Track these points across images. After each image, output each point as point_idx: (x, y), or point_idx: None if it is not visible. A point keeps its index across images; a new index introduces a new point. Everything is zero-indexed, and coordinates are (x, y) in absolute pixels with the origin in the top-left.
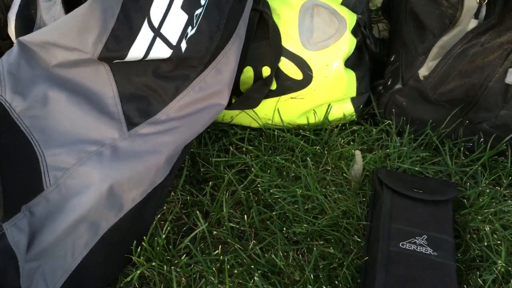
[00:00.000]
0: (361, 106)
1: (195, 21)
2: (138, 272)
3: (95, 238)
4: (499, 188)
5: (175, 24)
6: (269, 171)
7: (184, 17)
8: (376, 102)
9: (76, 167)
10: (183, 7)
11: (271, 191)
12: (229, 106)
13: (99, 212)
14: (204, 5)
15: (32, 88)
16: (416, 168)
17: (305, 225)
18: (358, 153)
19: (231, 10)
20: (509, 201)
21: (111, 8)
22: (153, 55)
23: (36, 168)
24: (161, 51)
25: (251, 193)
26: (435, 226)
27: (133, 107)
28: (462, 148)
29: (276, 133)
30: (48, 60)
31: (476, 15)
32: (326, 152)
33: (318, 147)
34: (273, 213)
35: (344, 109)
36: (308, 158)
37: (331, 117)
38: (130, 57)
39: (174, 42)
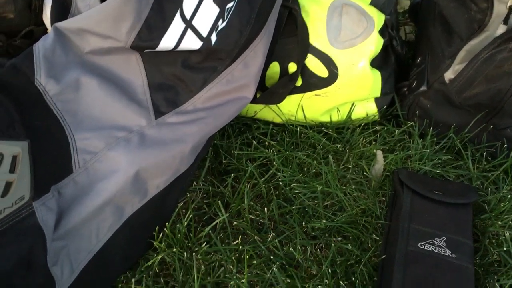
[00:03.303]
0: (385, 107)
1: (226, 14)
2: (159, 257)
3: (119, 221)
4: None
5: (207, 16)
6: (290, 166)
7: (216, 10)
8: (399, 104)
9: (104, 151)
10: (215, 1)
11: (291, 185)
12: (254, 101)
13: (124, 196)
14: None
15: (65, 73)
16: (438, 171)
17: (324, 221)
18: (379, 153)
19: (262, 5)
20: None
21: None
22: (183, 46)
23: (66, 151)
24: (191, 43)
25: (271, 187)
26: (455, 229)
27: (161, 96)
28: (484, 153)
29: (298, 129)
30: (82, 46)
31: (505, 21)
32: (347, 150)
33: (339, 145)
34: (293, 208)
35: (367, 108)
36: (329, 156)
37: (354, 116)
38: (161, 47)
39: (204, 34)
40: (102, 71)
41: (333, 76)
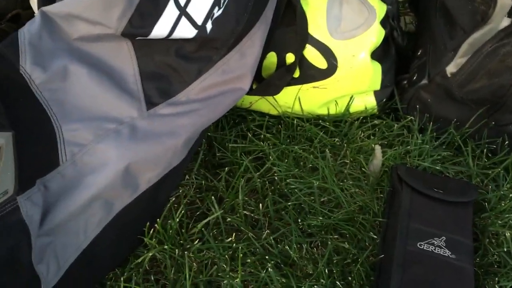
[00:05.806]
0: (384, 100)
1: (222, 2)
2: (150, 254)
3: (108, 217)
4: None
5: (202, 3)
6: (286, 160)
7: None
8: (399, 97)
9: (93, 144)
10: None
11: (287, 180)
12: (250, 92)
13: (114, 191)
14: None
15: (52, 61)
16: (437, 167)
17: (321, 218)
18: (378, 147)
19: None
20: None
21: None
22: (177, 34)
23: (52, 142)
24: (185, 31)
25: (267, 182)
26: (455, 228)
27: (153, 86)
28: (485, 150)
29: (295, 122)
30: (70, 33)
31: (510, 14)
32: (345, 144)
33: (337, 139)
34: (289, 204)
35: (366, 101)
36: (326, 150)
37: (352, 109)
38: (154, 35)
39: (199, 22)
40: (91, 59)
41: (332, 68)
